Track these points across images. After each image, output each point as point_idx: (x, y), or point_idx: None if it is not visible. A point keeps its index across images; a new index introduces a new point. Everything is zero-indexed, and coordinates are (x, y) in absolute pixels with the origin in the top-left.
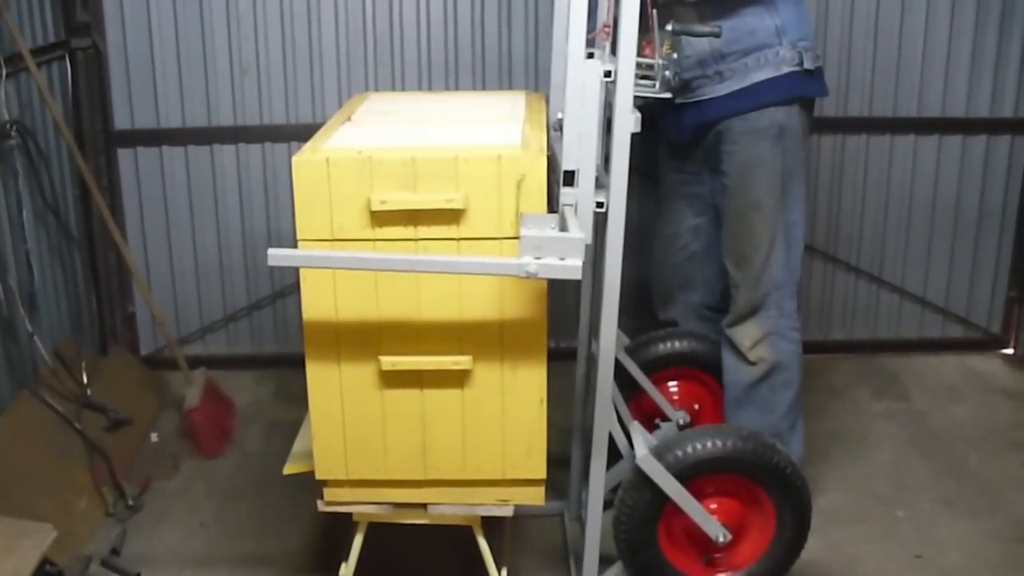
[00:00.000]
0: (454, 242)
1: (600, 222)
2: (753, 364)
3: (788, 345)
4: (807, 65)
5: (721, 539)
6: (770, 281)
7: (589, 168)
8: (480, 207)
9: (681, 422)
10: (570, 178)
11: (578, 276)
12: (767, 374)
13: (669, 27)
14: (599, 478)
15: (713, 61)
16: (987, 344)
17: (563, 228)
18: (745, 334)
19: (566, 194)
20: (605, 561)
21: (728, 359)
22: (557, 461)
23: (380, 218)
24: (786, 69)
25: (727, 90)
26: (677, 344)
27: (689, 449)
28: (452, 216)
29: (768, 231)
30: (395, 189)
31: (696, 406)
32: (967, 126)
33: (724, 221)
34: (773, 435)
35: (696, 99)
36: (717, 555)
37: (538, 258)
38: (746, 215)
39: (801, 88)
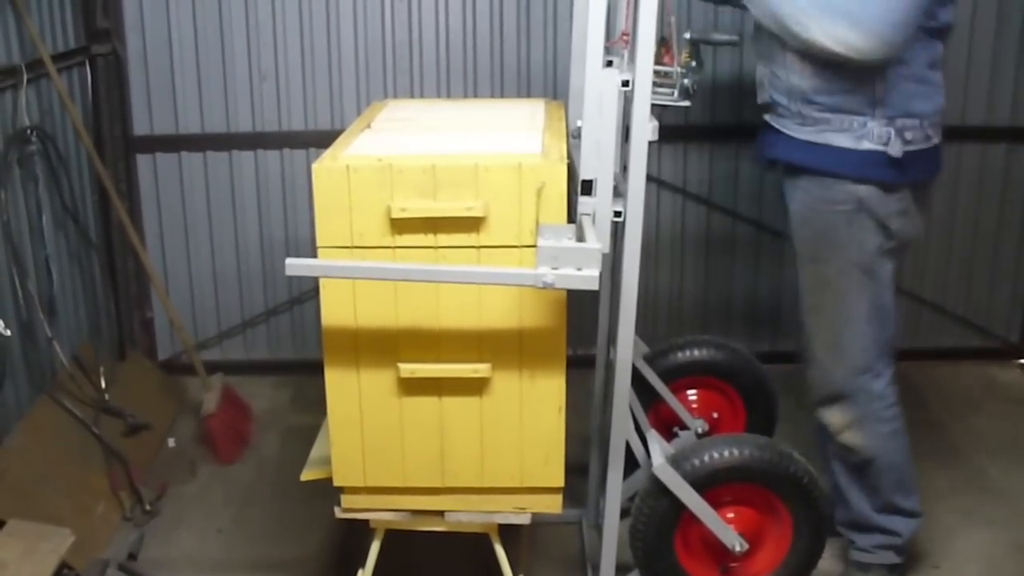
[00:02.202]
0: (474, 250)
1: (618, 231)
2: (849, 449)
3: (882, 427)
4: (892, 150)
5: (738, 548)
6: (851, 367)
7: (607, 177)
8: (500, 215)
9: (700, 430)
10: (588, 187)
11: (595, 287)
12: (866, 463)
13: (687, 35)
14: (616, 486)
15: (799, 99)
16: (1006, 354)
17: (580, 238)
18: (831, 418)
19: (584, 203)
20: (622, 570)
21: (825, 442)
22: (575, 469)
23: (400, 226)
24: (867, 145)
25: (803, 137)
26: (696, 352)
27: (706, 458)
28: (472, 224)
29: (843, 315)
30: (415, 197)
31: (715, 414)
32: (986, 135)
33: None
34: (883, 511)
35: (777, 127)
36: (734, 564)
37: (555, 268)
38: (816, 292)
39: (877, 172)
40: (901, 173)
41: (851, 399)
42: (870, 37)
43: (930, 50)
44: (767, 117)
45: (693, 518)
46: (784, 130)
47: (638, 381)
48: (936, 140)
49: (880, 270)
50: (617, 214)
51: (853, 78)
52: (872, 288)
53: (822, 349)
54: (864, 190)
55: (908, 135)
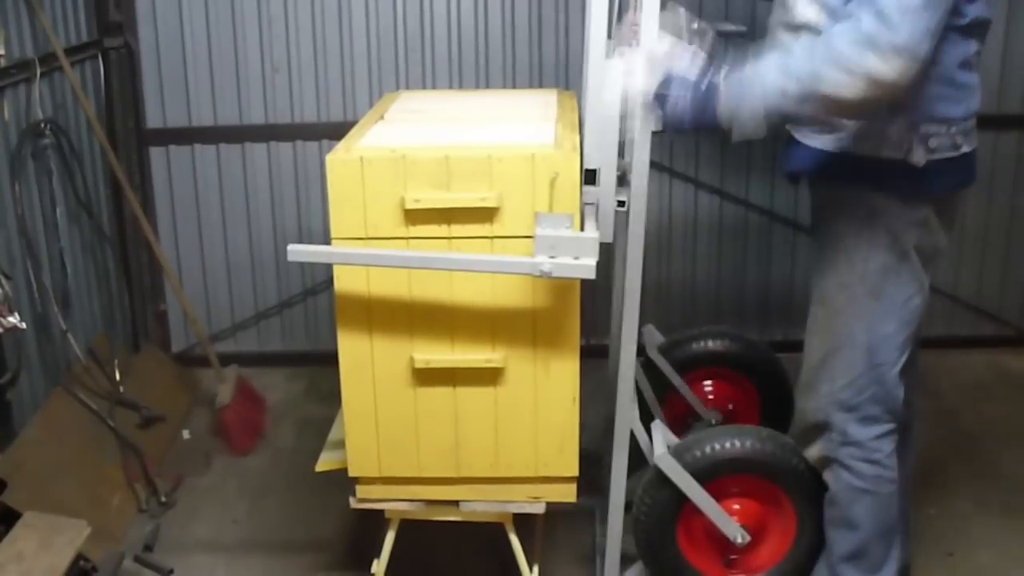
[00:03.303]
0: (487, 240)
1: (622, 220)
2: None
3: (852, 479)
4: (914, 159)
5: (739, 540)
6: (830, 398)
7: (610, 167)
8: (513, 205)
9: (714, 422)
10: (591, 177)
11: (592, 275)
12: (832, 510)
13: (695, 25)
14: (620, 475)
15: None
16: (1018, 341)
17: (581, 227)
18: (808, 452)
19: (588, 193)
20: (631, 559)
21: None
22: (592, 458)
23: (414, 216)
24: (886, 153)
25: (820, 146)
26: (711, 343)
27: (708, 449)
28: (485, 214)
29: (830, 334)
30: (429, 188)
31: (730, 406)
32: (999, 122)
33: None
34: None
35: (797, 137)
36: (735, 556)
37: (552, 257)
38: (814, 309)
39: (896, 182)
40: (923, 184)
41: (825, 436)
42: (900, 59)
43: (961, 48)
44: (788, 127)
45: (695, 509)
46: (803, 140)
47: (653, 372)
48: (967, 148)
49: (887, 293)
50: (621, 203)
51: None
52: (874, 313)
53: (806, 374)
54: (880, 199)
55: (933, 143)
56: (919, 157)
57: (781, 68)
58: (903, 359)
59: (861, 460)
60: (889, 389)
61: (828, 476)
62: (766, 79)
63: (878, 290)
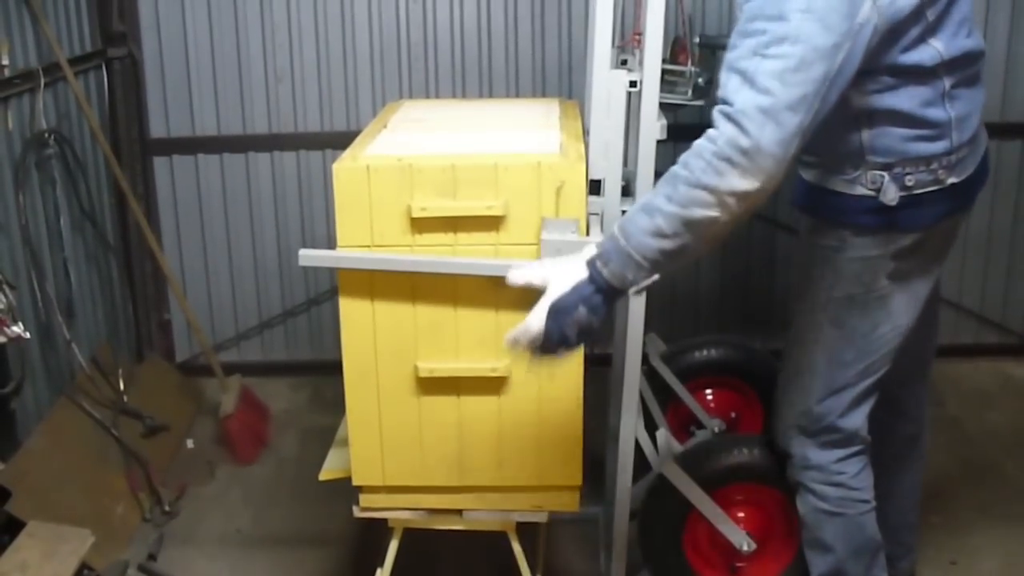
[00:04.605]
0: (493, 248)
1: None
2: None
3: (817, 502)
4: (886, 198)
5: (745, 548)
6: (789, 421)
7: (615, 177)
8: (519, 214)
9: (716, 430)
10: (596, 187)
11: None
12: (801, 523)
13: (696, 39)
14: (625, 484)
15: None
16: (1022, 350)
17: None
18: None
19: (593, 203)
20: (636, 567)
21: None
22: (596, 466)
23: (420, 225)
24: (860, 190)
25: (806, 176)
26: (714, 352)
27: (713, 457)
28: (491, 223)
29: (793, 359)
30: (435, 196)
31: (733, 414)
32: (1002, 131)
33: None
34: None
35: (799, 170)
36: (741, 564)
37: None
38: (789, 332)
39: (870, 219)
40: (899, 218)
41: (792, 461)
42: (761, 169)
43: (921, 91)
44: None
45: (700, 517)
46: (800, 172)
47: (656, 380)
48: (954, 180)
49: (850, 323)
50: (625, 214)
51: (835, 131)
52: (835, 341)
53: (775, 396)
54: (850, 232)
55: (909, 180)
56: (891, 196)
57: (647, 210)
58: (865, 383)
59: (824, 484)
60: (845, 415)
61: (797, 499)
62: (638, 226)
63: (840, 319)
